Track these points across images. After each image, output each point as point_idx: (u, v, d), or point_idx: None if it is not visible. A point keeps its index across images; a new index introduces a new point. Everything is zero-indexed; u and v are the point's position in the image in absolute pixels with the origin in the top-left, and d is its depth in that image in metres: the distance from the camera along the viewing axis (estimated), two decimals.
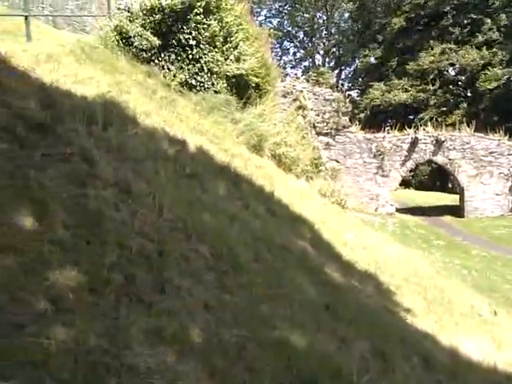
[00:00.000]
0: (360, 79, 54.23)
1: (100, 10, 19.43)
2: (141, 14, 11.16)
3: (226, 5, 12.04)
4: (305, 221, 8.85)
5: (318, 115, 23.84)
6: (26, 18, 8.89)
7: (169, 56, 11.06)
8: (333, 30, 57.32)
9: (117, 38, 10.86)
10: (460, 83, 45.72)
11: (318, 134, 23.67)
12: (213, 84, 11.61)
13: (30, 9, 9.13)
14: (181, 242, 5.12)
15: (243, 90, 12.55)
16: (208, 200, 6.65)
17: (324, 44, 58.39)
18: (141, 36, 10.73)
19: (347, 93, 43.56)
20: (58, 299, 3.28)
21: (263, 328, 4.39)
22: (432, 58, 41.93)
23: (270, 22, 56.93)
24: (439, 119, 38.65)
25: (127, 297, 3.78)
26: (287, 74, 36.68)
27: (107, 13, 13.66)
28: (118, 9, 12.92)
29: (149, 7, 11.06)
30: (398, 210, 27.08)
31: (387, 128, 28.61)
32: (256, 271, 5.29)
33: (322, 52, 58.88)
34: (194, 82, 11.32)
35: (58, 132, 5.22)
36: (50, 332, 3.01)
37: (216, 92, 11.69)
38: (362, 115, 45.61)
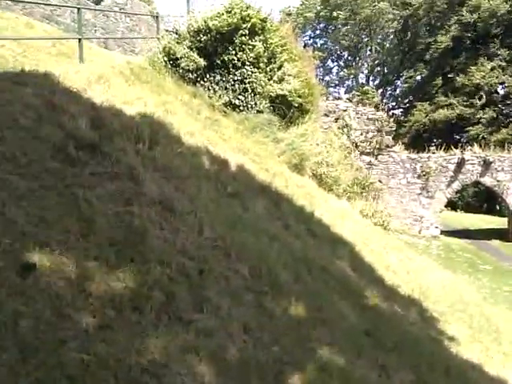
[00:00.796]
0: (404, 98, 53.50)
1: (149, 32, 20.15)
2: (188, 35, 11.50)
3: (271, 26, 12.23)
4: (346, 242, 8.73)
5: (361, 134, 23.64)
6: (80, 40, 9.35)
7: (214, 77, 11.30)
8: (377, 49, 57.05)
9: (164, 59, 11.22)
10: (509, 102, 44.29)
11: (361, 153, 23.44)
12: (256, 104, 11.75)
13: (83, 32, 9.57)
14: (221, 260, 5.15)
15: (286, 109, 12.63)
16: (248, 219, 6.68)
17: (368, 63, 58.09)
18: (187, 57, 11.04)
19: (391, 112, 42.99)
20: (100, 315, 3.36)
21: (302, 352, 4.33)
22: (483, 73, 41.00)
23: (315, 42, 57.25)
24: (486, 137, 37.46)
25: (167, 315, 3.83)
26: (330, 93, 36.61)
27: (156, 35, 14.14)
28: (166, 31, 13.37)
29: (196, 29, 11.38)
30: (442, 233, 26.25)
31: (432, 148, 27.97)
32: (296, 293, 5.23)
33: (365, 71, 58.60)
34: (237, 102, 11.50)
35: (107, 151, 5.41)
36: (91, 348, 3.08)
37: (259, 112, 11.82)
38: (406, 134, 44.86)
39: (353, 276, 7.12)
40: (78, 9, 9.75)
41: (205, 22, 11.24)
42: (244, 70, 11.35)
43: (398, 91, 56.05)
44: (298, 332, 4.70)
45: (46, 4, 14.15)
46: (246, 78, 11.49)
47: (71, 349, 2.94)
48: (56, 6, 14.66)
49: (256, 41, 11.42)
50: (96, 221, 4.18)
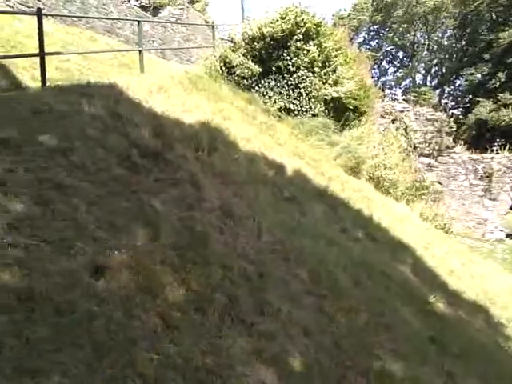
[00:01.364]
0: (464, 97, 51.43)
1: (205, 41, 20.61)
2: (243, 43, 11.68)
3: (326, 30, 12.19)
4: (406, 246, 8.52)
5: (419, 136, 22.94)
6: (140, 52, 9.74)
7: (268, 82, 11.39)
8: (433, 48, 55.25)
9: (220, 67, 11.44)
10: None
11: (420, 155, 22.75)
12: (311, 108, 11.74)
13: (143, 44, 9.95)
14: (280, 264, 5.19)
15: (341, 112, 12.52)
16: (306, 223, 6.68)
17: (425, 63, 56.35)
18: (243, 64, 11.20)
19: (450, 112, 41.39)
20: (167, 317, 3.48)
21: (364, 357, 4.28)
22: None
23: (369, 44, 56.25)
24: None
25: (230, 317, 3.91)
26: (386, 95, 35.83)
27: (212, 43, 14.45)
28: (222, 39, 13.63)
29: (250, 36, 11.54)
30: (508, 236, 24.97)
31: (495, 148, 26.69)
32: (356, 297, 5.18)
33: (422, 71, 56.89)
34: (292, 106, 11.53)
35: (169, 158, 5.60)
36: (160, 348, 3.20)
37: (314, 115, 11.79)
38: (466, 134, 43.06)
39: (415, 281, 6.94)
40: (138, 22, 10.17)
41: (259, 29, 11.37)
42: (299, 74, 11.37)
43: (457, 90, 53.98)
44: (359, 337, 4.64)
45: (107, 18, 14.82)
46: (300, 83, 11.50)
47: (141, 348, 3.07)
48: (117, 19, 15.31)
49: (310, 45, 11.43)
50: (161, 226, 4.34)
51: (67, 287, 3.11)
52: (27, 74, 8.05)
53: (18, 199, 3.53)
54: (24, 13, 8.61)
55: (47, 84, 6.83)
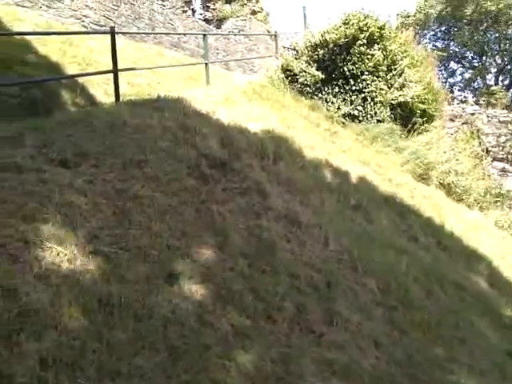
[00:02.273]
0: None
1: (267, 51, 20.83)
2: (305, 50, 11.69)
3: (390, 33, 11.93)
4: (481, 256, 8.11)
5: (492, 139, 21.82)
6: (206, 65, 10.03)
7: (332, 89, 11.30)
8: (506, 46, 52.44)
9: (283, 75, 11.51)
10: None
11: (493, 159, 21.62)
12: (376, 113, 11.50)
13: (208, 56, 10.25)
14: (348, 274, 5.13)
15: (408, 117, 12.17)
16: (374, 232, 6.55)
17: (496, 62, 53.59)
18: (305, 72, 11.21)
19: None
20: (237, 324, 3.54)
21: (438, 371, 4.13)
22: None
23: (435, 45, 54.32)
24: None
25: (298, 326, 3.91)
26: (455, 97, 34.41)
27: (274, 53, 14.58)
28: (284, 48, 13.73)
29: (313, 44, 11.53)
30: None
31: None
32: (428, 309, 5.01)
33: (493, 70, 54.14)
34: (356, 112, 11.35)
35: (236, 167, 5.71)
36: (231, 354, 3.27)
37: (379, 121, 11.53)
38: None
39: (491, 292, 6.60)
40: (204, 35, 10.49)
41: (322, 36, 11.33)
42: (363, 79, 11.19)
43: None
44: (432, 350, 4.48)
45: (175, 34, 15.39)
46: (364, 88, 11.31)
47: (214, 354, 3.14)
48: (183, 34, 15.86)
49: (375, 49, 11.23)
50: (229, 234, 4.43)
51: (144, 293, 3.25)
52: (101, 89, 8.53)
53: (97, 209, 3.74)
54: (99, 32, 9.14)
55: (120, 99, 7.20)
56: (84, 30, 12.28)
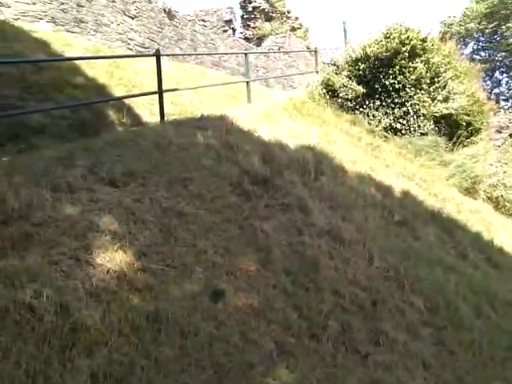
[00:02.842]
0: None
1: (306, 66, 20.92)
2: (346, 65, 11.68)
3: (433, 45, 11.75)
4: None
5: None
6: (248, 83, 10.18)
7: (373, 102, 11.20)
8: None
9: (323, 91, 11.52)
10: None
11: None
12: (419, 126, 11.30)
13: (249, 75, 10.41)
14: (394, 292, 5.02)
15: (453, 129, 11.88)
16: (420, 248, 6.39)
17: None
18: (346, 86, 11.18)
19: None
20: (281, 342, 3.54)
21: None
22: None
23: (479, 54, 52.96)
24: None
25: (343, 345, 3.86)
26: (501, 108, 33.31)
27: (314, 68, 14.63)
28: (324, 63, 13.76)
29: (354, 58, 11.51)
30: None
31: None
32: (479, 329, 4.82)
33: None
34: (398, 125, 11.19)
35: (278, 184, 5.74)
36: (276, 373, 3.25)
37: (423, 134, 11.33)
38: None
39: None
40: (245, 54, 10.67)
41: (363, 50, 11.29)
42: (405, 92, 11.05)
43: None
44: (484, 372, 4.31)
45: (217, 54, 15.73)
46: (407, 101, 11.15)
47: (258, 372, 3.14)
48: (225, 54, 16.18)
49: (417, 62, 11.07)
50: (272, 251, 4.45)
51: (190, 310, 3.30)
52: (146, 109, 8.79)
53: (145, 227, 3.84)
54: (145, 55, 9.48)
55: (165, 118, 7.40)
56: (129, 52, 12.74)
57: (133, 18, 13.32)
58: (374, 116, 11.28)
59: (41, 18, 11.07)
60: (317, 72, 13.14)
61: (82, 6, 11.91)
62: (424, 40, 11.45)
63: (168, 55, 11.15)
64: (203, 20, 19.06)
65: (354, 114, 11.31)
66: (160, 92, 7.33)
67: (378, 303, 4.59)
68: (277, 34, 21.45)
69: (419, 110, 11.21)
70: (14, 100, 6.92)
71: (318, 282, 4.40)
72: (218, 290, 3.65)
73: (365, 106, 11.30)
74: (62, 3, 11.46)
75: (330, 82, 11.57)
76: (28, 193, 3.53)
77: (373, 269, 5.19)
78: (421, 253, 6.07)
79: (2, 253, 2.91)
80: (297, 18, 23.13)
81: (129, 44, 13.11)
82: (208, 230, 4.31)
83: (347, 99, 11.35)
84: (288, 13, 22.71)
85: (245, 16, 22.57)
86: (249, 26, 22.25)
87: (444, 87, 11.60)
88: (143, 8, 13.70)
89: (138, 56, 9.68)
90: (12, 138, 6.20)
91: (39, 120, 6.74)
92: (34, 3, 11.01)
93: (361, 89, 11.15)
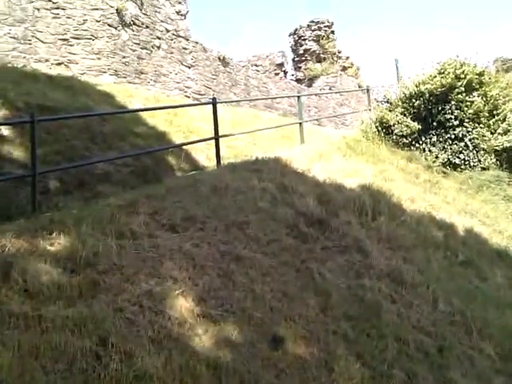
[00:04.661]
0: None
1: (358, 104, 20.94)
2: (400, 102, 11.60)
3: (490, 78, 11.50)
4: None
5: None
6: (301, 124, 10.32)
7: (430, 138, 11.00)
8: None
9: (377, 128, 11.44)
10: None
11: None
12: (479, 161, 10.95)
13: (302, 116, 10.55)
14: (461, 338, 4.77)
15: None
16: (487, 290, 6.07)
17: None
18: (401, 123, 11.07)
19: None
20: None
21: None
22: None
23: None
24: None
25: None
26: None
27: (366, 106, 14.63)
28: (376, 101, 13.73)
29: (407, 95, 11.43)
30: None
31: None
32: None
33: None
34: (457, 160, 10.89)
35: (334, 225, 5.69)
36: None
37: (483, 169, 10.95)
38: None
39: None
40: (298, 97, 10.88)
41: (416, 87, 11.21)
42: (463, 127, 10.79)
43: None
44: None
45: (270, 98, 16.13)
46: (465, 136, 10.87)
47: None
48: (279, 97, 16.57)
49: (474, 96, 10.84)
50: (331, 295, 4.37)
51: (249, 357, 3.28)
52: (203, 154, 9.08)
53: (204, 272, 3.91)
54: (202, 103, 9.89)
55: (221, 162, 7.61)
56: (187, 99, 13.32)
57: (189, 67, 13.99)
58: (431, 152, 11.04)
59: (104, 72, 11.87)
60: (370, 110, 13.11)
61: (143, 59, 12.68)
62: (480, 74, 11.23)
63: (223, 102, 11.56)
64: (256, 65, 19.68)
65: (410, 150, 11.12)
66: (216, 138, 7.58)
67: (444, 350, 4.38)
68: (328, 74, 21.73)
69: (479, 144, 10.89)
70: (80, 150, 7.37)
71: (380, 328, 4.26)
72: (278, 336, 3.61)
73: (421, 142, 11.10)
74: (124, 57, 12.26)
75: (383, 120, 11.49)
76: (95, 241, 3.71)
77: (437, 313, 4.98)
78: (488, 295, 5.76)
79: (70, 301, 3.06)
80: (347, 58, 23.37)
81: (186, 92, 13.73)
82: (265, 274, 4.32)
83: (402, 136, 11.20)
84: (338, 53, 23.02)
85: (296, 59, 23.09)
86: (300, 67, 22.70)
87: (504, 120, 11.24)
88: (199, 57, 14.37)
89: (197, 105, 10.12)
90: (79, 186, 6.57)
91: (103, 168, 7.11)
92: (99, 58, 11.85)
93: (416, 125, 11.01)
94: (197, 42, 14.44)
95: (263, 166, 7.05)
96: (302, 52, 22.70)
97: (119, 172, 7.22)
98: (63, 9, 11.43)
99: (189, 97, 13.66)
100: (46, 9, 11.23)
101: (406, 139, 11.22)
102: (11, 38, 10.66)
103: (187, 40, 14.08)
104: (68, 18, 11.49)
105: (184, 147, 8.61)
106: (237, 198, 5.50)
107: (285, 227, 5.35)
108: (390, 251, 5.83)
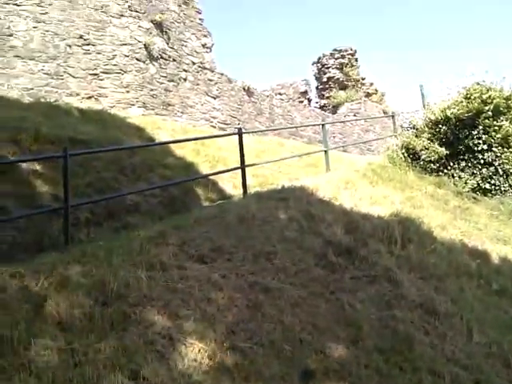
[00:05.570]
0: None
1: (383, 130, 20.89)
2: (426, 128, 11.52)
3: None
4: None
5: None
6: (326, 152, 10.34)
7: (458, 163, 10.85)
8: None
9: (404, 154, 11.37)
10: None
11: None
12: (510, 186, 10.71)
13: (327, 144, 10.57)
14: (499, 371, 4.58)
15: None
16: None
17: None
18: (428, 149, 10.98)
19: None
20: None
21: None
22: None
23: None
24: None
25: None
26: None
27: (391, 132, 14.58)
28: (402, 127, 13.66)
29: (434, 120, 11.35)
30: None
31: None
32: None
33: None
34: (487, 186, 10.67)
35: (363, 254, 5.62)
36: None
37: None
38: None
39: None
40: (323, 125, 10.93)
41: (442, 112, 11.15)
42: (492, 152, 10.62)
43: None
44: None
45: (294, 127, 16.26)
46: (494, 160, 10.69)
47: None
48: (303, 126, 16.69)
49: (502, 121, 10.69)
50: (362, 327, 4.29)
51: None
52: (229, 183, 9.17)
53: (232, 304, 3.90)
54: (228, 134, 10.06)
55: (247, 191, 7.66)
56: (213, 129, 13.55)
57: (215, 98, 14.28)
58: (460, 177, 10.86)
59: (133, 104, 12.22)
60: (395, 136, 13.06)
61: (170, 91, 13.01)
62: (508, 98, 11.08)
63: (249, 132, 11.72)
64: (280, 93, 19.93)
65: (438, 176, 10.96)
66: (243, 167, 7.65)
67: None
68: (352, 100, 21.82)
69: (509, 169, 10.66)
70: (110, 181, 7.54)
71: (414, 361, 4.14)
72: (308, 370, 3.55)
73: (449, 168, 10.95)
74: (152, 89, 12.61)
75: (410, 145, 11.41)
76: (125, 273, 3.76)
77: (473, 344, 4.81)
78: None
79: (102, 333, 3.09)
80: (371, 84, 23.47)
81: (212, 122, 13.98)
82: (294, 305, 4.28)
83: (430, 161, 11.08)
84: (362, 79, 23.14)
85: (320, 86, 23.31)
86: (324, 95, 22.89)
87: None
88: (224, 88, 14.67)
89: (223, 136, 10.31)
90: (108, 217, 6.70)
91: (132, 199, 7.25)
92: (128, 91, 12.23)
93: (443, 150, 10.88)
94: (222, 74, 14.76)
95: (289, 195, 7.06)
96: (325, 80, 22.92)
97: (148, 202, 7.35)
98: (93, 45, 11.91)
99: (215, 127, 13.89)
100: (78, 45, 11.71)
101: (434, 165, 11.08)
102: (44, 74, 11.14)
103: (212, 72, 14.42)
104: (98, 53, 11.95)
105: (211, 177, 8.71)
106: (263, 228, 5.51)
107: (313, 257, 5.32)
108: (422, 280, 5.70)
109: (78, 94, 11.44)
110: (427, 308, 5.10)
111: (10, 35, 10.86)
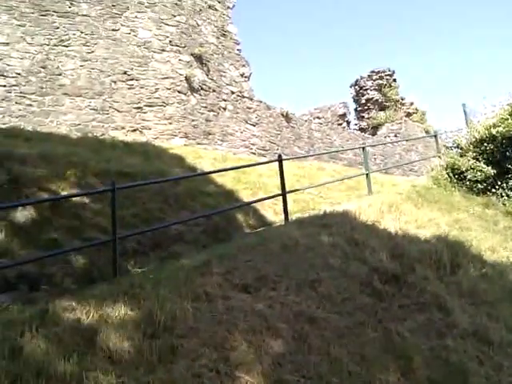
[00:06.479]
0: None
1: (426, 149, 20.49)
2: (470, 147, 11.23)
3: None
4: None
5: None
6: (367, 175, 10.21)
7: (506, 182, 10.48)
8: None
9: (449, 174, 11.09)
10: None
11: None
12: None
13: (368, 167, 10.44)
14: None
15: None
16: None
17: None
18: (474, 168, 10.67)
19: None
20: None
21: None
22: None
23: None
24: None
25: None
26: None
27: (434, 150, 14.26)
28: (446, 146, 13.35)
29: (478, 139, 11.05)
30: None
31: None
32: None
33: None
34: None
35: (410, 280, 5.47)
36: None
37: None
38: None
39: None
40: (363, 148, 10.84)
41: (487, 130, 10.85)
42: None
43: None
44: None
45: (334, 151, 16.20)
46: None
47: None
48: (343, 150, 16.60)
49: None
50: (412, 357, 4.15)
51: None
52: (270, 210, 9.20)
53: (278, 335, 3.87)
54: (269, 161, 10.14)
55: (289, 217, 7.65)
56: (252, 155, 13.70)
57: (254, 125, 14.48)
58: (508, 196, 10.45)
59: (175, 135, 12.57)
60: (439, 156, 12.77)
61: (210, 121, 13.31)
62: None
63: (288, 159, 11.78)
64: (318, 117, 19.97)
65: (486, 196, 10.60)
66: (283, 194, 7.67)
67: None
68: (392, 121, 21.58)
69: None
70: (155, 211, 7.72)
71: None
72: None
73: (497, 187, 10.58)
74: (193, 120, 12.94)
75: (455, 165, 11.13)
76: (172, 304, 3.82)
77: None
78: None
79: (151, 366, 3.13)
80: (411, 104, 23.16)
81: (251, 149, 14.15)
82: (341, 336, 4.20)
83: (476, 181, 10.75)
84: (402, 99, 22.90)
85: (358, 108, 23.23)
86: (363, 117, 22.77)
87: None
88: (263, 115, 14.86)
89: (263, 163, 10.40)
90: (154, 247, 6.84)
91: (176, 228, 7.38)
92: (170, 123, 12.60)
93: (490, 169, 10.55)
94: (260, 101, 14.99)
95: (331, 220, 7.00)
96: (364, 101, 22.84)
97: (191, 231, 7.46)
98: (137, 80, 12.40)
99: (254, 153, 14.05)
100: (122, 81, 12.23)
101: (481, 184, 10.74)
102: (91, 109, 11.66)
103: (251, 100, 14.66)
104: (141, 87, 12.42)
105: (252, 205, 8.78)
106: (307, 255, 5.48)
107: (358, 284, 5.22)
108: (473, 307, 5.48)
109: (123, 128, 11.88)
110: (480, 336, 4.88)
111: (59, 74, 11.48)
